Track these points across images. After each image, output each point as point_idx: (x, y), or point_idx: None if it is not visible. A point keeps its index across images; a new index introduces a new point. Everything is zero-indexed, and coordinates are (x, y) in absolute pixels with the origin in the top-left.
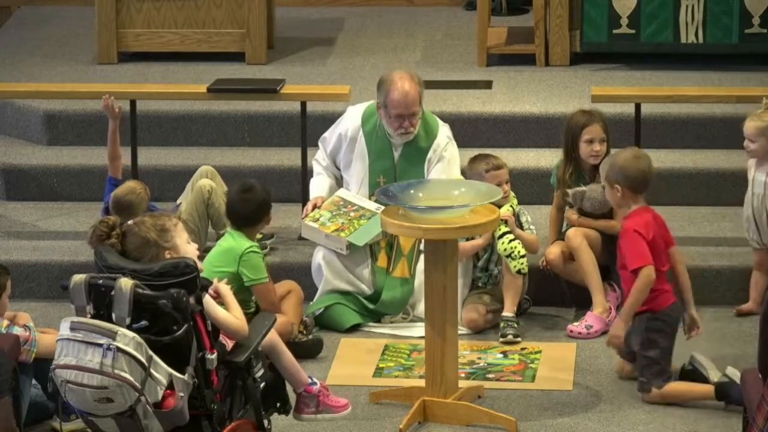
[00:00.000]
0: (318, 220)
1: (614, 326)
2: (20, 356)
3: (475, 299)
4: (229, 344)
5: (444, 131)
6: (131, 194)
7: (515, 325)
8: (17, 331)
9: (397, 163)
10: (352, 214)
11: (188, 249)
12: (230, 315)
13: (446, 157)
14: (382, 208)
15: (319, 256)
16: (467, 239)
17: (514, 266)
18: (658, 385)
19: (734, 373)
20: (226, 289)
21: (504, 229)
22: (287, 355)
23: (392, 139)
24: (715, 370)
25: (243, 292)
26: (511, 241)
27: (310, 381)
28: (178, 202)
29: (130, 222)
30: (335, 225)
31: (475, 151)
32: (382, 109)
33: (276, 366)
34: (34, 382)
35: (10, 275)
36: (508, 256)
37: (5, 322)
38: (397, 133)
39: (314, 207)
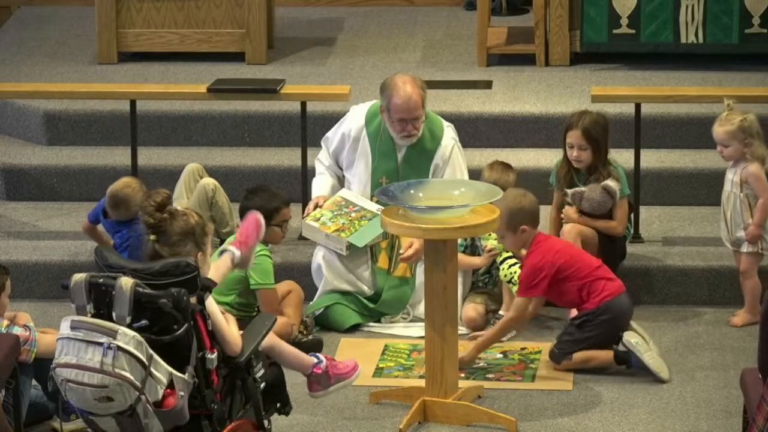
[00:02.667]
0: (319, 219)
1: (468, 352)
2: (20, 356)
3: (475, 299)
4: None
5: (449, 133)
6: (126, 188)
7: None
8: (17, 331)
9: (400, 165)
10: (353, 214)
11: (209, 262)
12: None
13: (454, 162)
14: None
15: (319, 256)
16: (465, 246)
17: (516, 291)
18: (568, 358)
19: (629, 342)
20: (230, 316)
21: (505, 254)
22: (287, 349)
23: (396, 140)
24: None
25: (248, 295)
26: (511, 266)
27: (315, 361)
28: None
29: (178, 207)
30: (336, 225)
31: (476, 152)
32: (386, 113)
33: (279, 363)
34: (34, 382)
35: (9, 275)
36: (509, 281)
37: (5, 322)
38: (400, 136)
39: (316, 206)
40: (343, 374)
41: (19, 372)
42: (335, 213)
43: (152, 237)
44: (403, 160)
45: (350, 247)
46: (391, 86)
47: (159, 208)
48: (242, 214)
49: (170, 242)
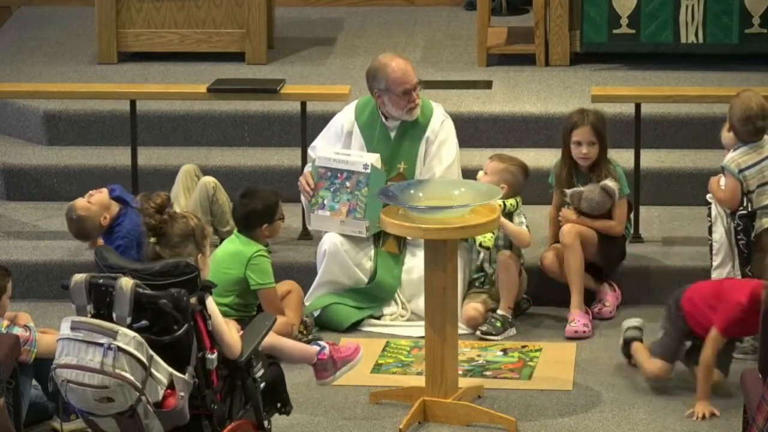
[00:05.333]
0: (324, 205)
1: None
2: (20, 356)
3: (475, 298)
4: None
5: (440, 110)
6: (71, 222)
7: (497, 324)
8: (17, 331)
9: (393, 146)
10: (347, 183)
11: (209, 264)
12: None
13: (444, 136)
14: (370, 163)
15: (326, 245)
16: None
17: (479, 241)
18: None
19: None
20: (230, 321)
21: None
22: (288, 345)
23: (389, 123)
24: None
25: (246, 295)
26: None
27: (318, 348)
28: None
29: (178, 210)
30: (343, 206)
31: (475, 152)
32: (385, 96)
33: (284, 359)
34: (34, 382)
35: (11, 276)
36: (479, 244)
37: (5, 323)
38: (406, 110)
39: (307, 184)
40: (346, 356)
41: (19, 372)
42: (331, 190)
43: (152, 240)
44: (395, 141)
45: (370, 227)
46: (382, 67)
47: (159, 210)
48: (245, 218)
49: (171, 244)
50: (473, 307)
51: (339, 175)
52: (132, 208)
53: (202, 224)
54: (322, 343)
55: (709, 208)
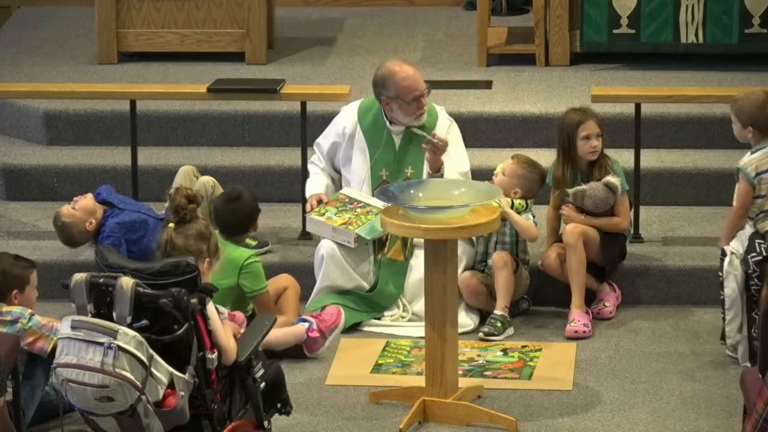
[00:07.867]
0: (324, 214)
1: None
2: (37, 343)
3: (475, 271)
4: None
5: (444, 114)
6: (57, 230)
7: (498, 324)
8: (39, 319)
9: (398, 153)
10: (358, 210)
11: (212, 275)
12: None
13: (454, 143)
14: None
15: (323, 249)
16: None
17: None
18: None
19: None
20: (227, 323)
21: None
22: (277, 334)
23: (394, 128)
24: None
25: (242, 301)
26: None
27: (306, 326)
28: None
29: (200, 214)
30: (342, 219)
31: (475, 151)
32: (394, 103)
33: (277, 349)
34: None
35: (35, 268)
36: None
37: (28, 311)
38: (416, 116)
39: (319, 202)
40: (332, 324)
41: (34, 364)
42: (340, 209)
43: (171, 225)
44: (400, 148)
45: (358, 239)
46: (391, 74)
47: (189, 199)
48: (239, 224)
49: (186, 234)
50: (471, 273)
51: (355, 203)
52: (119, 209)
53: (218, 240)
54: (308, 318)
55: (721, 263)
